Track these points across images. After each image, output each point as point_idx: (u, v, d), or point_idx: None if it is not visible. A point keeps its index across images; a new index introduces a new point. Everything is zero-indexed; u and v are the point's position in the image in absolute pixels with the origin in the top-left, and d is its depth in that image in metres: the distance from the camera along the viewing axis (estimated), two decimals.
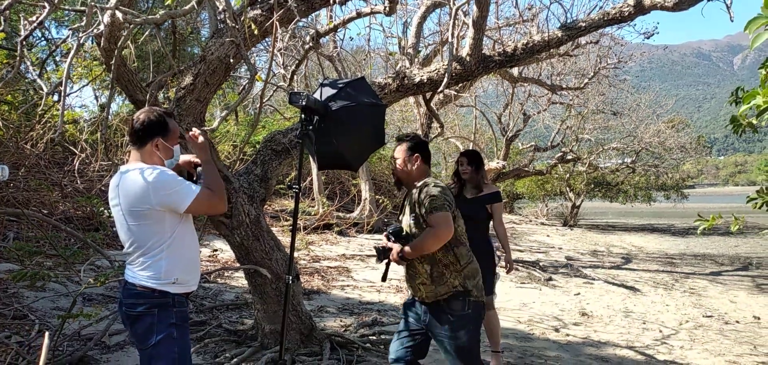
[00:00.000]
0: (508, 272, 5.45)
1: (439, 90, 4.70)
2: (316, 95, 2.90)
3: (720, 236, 19.96)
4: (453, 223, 3.17)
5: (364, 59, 11.17)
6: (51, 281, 5.98)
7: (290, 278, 3.12)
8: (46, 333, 2.37)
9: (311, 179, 13.82)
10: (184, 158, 3.06)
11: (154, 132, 2.81)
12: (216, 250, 8.88)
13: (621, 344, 6.38)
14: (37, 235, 7.34)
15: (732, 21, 4.03)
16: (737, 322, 7.69)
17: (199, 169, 3.00)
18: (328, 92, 2.90)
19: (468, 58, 4.65)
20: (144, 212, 2.70)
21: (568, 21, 4.75)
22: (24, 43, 3.12)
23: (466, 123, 21.36)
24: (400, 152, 3.30)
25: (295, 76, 6.35)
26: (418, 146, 3.33)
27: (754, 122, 2.36)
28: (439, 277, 3.25)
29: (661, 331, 7.05)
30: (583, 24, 4.64)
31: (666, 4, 4.25)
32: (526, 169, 18.50)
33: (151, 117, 2.81)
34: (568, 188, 24.98)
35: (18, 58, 3.24)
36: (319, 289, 7.83)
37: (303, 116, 2.87)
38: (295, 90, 3.75)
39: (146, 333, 2.74)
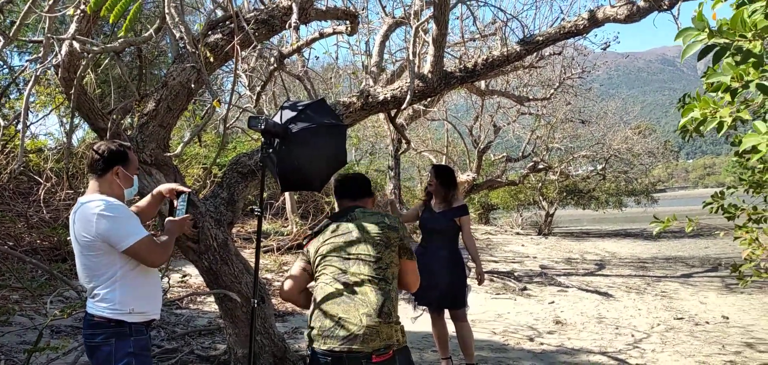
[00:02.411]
0: (480, 284, 5.51)
1: (402, 107, 4.75)
2: (276, 118, 2.93)
3: (691, 238, 20.33)
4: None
5: (332, 77, 11.21)
6: (17, 314, 5.86)
7: (255, 301, 3.12)
8: (2, 360, 2.35)
9: (284, 200, 13.77)
10: (167, 186, 3.09)
11: (115, 161, 2.85)
12: (186, 275, 8.76)
13: (594, 350, 6.46)
14: (2, 267, 7.18)
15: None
16: (707, 323, 7.84)
17: (182, 197, 3.00)
18: (288, 114, 2.92)
19: (430, 75, 4.71)
20: (90, 243, 2.71)
21: (527, 36, 4.86)
22: None
23: (438, 136, 21.49)
24: None
25: (262, 97, 6.35)
26: None
27: (701, 129, 2.43)
28: None
29: (633, 335, 7.15)
30: (540, 38, 4.74)
31: (618, 16, 4.38)
32: (499, 180, 18.66)
33: (111, 147, 2.87)
34: (541, 197, 25.24)
35: None
36: (294, 310, 7.77)
37: (263, 139, 2.89)
38: (261, 111, 3.76)
39: (104, 363, 2.76)
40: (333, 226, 2.94)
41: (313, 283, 2.97)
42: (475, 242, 5.60)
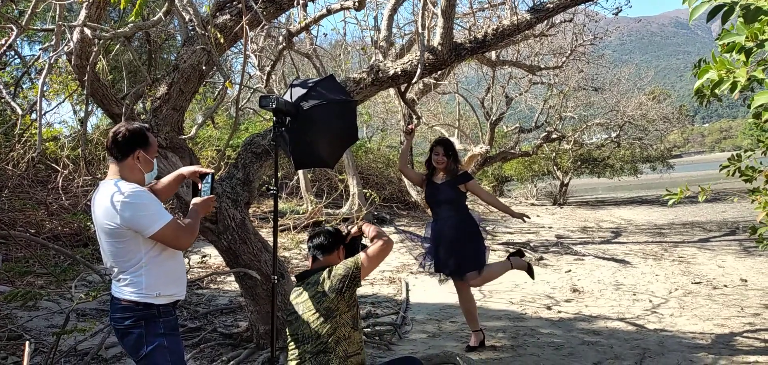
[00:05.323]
0: (525, 221, 5.57)
1: (413, 81, 4.74)
2: (287, 97, 2.93)
3: (708, 203, 20.16)
4: None
5: (341, 54, 11.17)
6: (43, 299, 5.99)
7: (275, 277, 3.17)
8: (27, 343, 2.40)
9: (298, 178, 13.83)
10: (189, 169, 3.06)
11: (136, 144, 2.78)
12: (205, 256, 8.88)
13: (612, 316, 6.47)
14: (26, 255, 7.32)
15: None
16: (725, 286, 7.81)
17: (206, 178, 2.99)
18: (299, 92, 2.92)
19: (440, 48, 4.69)
20: (114, 230, 2.69)
21: (537, 3, 4.82)
22: None
23: (449, 110, 21.40)
24: None
25: (272, 76, 6.36)
26: None
27: (717, 92, 2.40)
28: None
29: (651, 301, 7.14)
30: (551, 5, 4.70)
31: None
32: (513, 151, 18.59)
33: (131, 129, 2.80)
34: (555, 167, 25.11)
35: None
36: None
37: (275, 118, 2.90)
38: (271, 91, 3.79)
39: (136, 345, 2.77)
40: (295, 295, 3.14)
41: None
42: (496, 197, 5.61)
